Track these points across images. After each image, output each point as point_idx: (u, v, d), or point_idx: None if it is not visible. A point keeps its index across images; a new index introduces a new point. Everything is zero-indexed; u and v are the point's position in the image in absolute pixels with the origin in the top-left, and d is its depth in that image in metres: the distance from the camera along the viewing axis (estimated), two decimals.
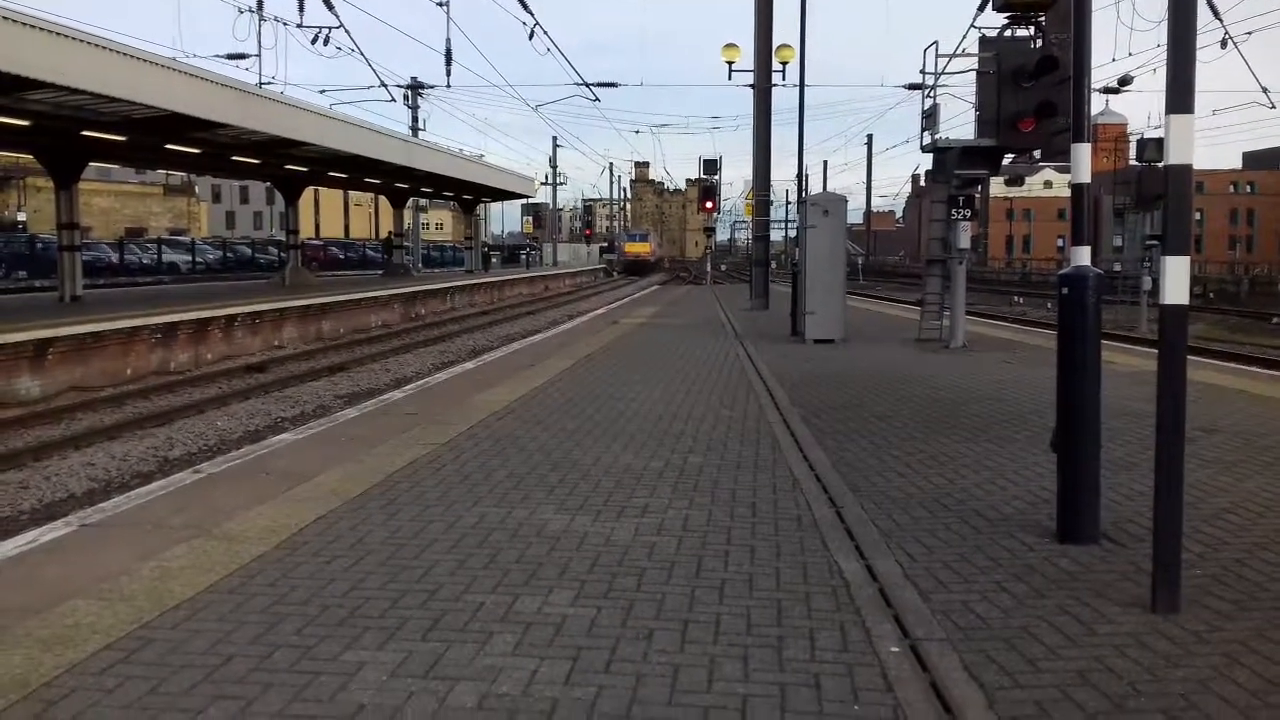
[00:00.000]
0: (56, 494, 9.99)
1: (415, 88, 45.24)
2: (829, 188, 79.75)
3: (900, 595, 4.53)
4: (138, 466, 11.23)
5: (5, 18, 13.96)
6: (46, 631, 4.01)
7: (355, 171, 33.02)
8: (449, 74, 39.16)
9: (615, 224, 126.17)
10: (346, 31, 44.93)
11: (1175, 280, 4.27)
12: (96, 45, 15.99)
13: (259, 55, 29.33)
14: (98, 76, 16.04)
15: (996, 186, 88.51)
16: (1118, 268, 32.08)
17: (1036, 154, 16.07)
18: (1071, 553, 5.15)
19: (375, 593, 4.52)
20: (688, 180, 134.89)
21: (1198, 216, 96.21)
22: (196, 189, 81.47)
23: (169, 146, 23.58)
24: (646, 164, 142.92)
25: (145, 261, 43.76)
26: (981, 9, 16.68)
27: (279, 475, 6.87)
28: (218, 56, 30.97)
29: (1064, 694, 3.53)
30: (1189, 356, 4.43)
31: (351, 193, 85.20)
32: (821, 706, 3.43)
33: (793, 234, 25.37)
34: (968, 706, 3.43)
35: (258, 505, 6.00)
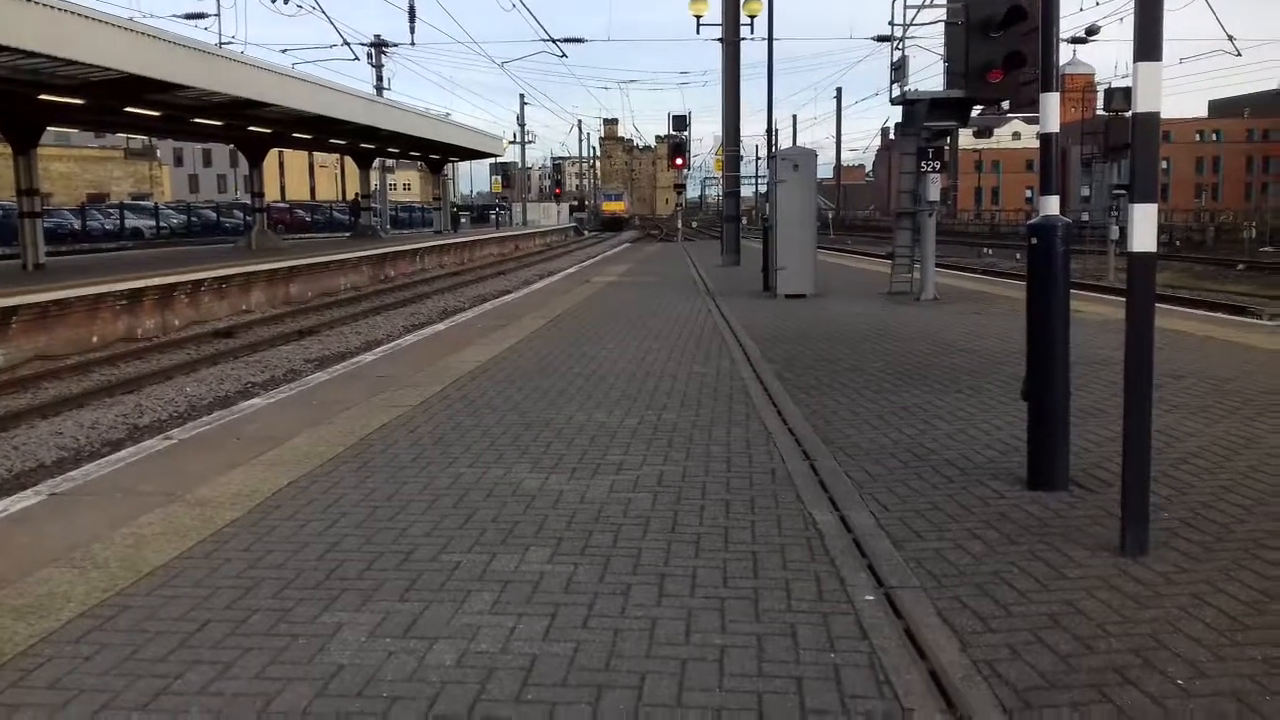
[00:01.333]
0: (25, 463, 9.89)
1: (379, 46, 44.55)
2: (799, 142, 79.64)
3: (874, 545, 4.57)
4: (107, 434, 11.12)
5: None
6: (20, 601, 3.98)
7: (319, 132, 32.58)
8: (413, 31, 38.51)
9: (585, 182, 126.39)
10: None
11: (1143, 228, 4.29)
12: (52, 6, 15.61)
13: (218, 14, 28.95)
14: (54, 38, 15.68)
15: (965, 139, 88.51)
16: (1085, 217, 32.26)
17: (1005, 105, 16.05)
18: (1042, 499, 5.21)
19: (351, 555, 4.51)
20: (657, 137, 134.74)
21: (1164, 165, 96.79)
22: (159, 153, 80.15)
23: (129, 109, 23.14)
24: (615, 121, 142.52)
25: (108, 227, 43.18)
26: None
27: (250, 440, 6.83)
28: (176, 16, 30.42)
29: (1036, 637, 3.59)
30: (1156, 304, 4.46)
31: (317, 154, 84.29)
32: (798, 655, 3.47)
33: (763, 189, 25.32)
34: (941, 651, 3.48)
35: (230, 470, 5.97)
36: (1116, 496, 4.61)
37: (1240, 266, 35.61)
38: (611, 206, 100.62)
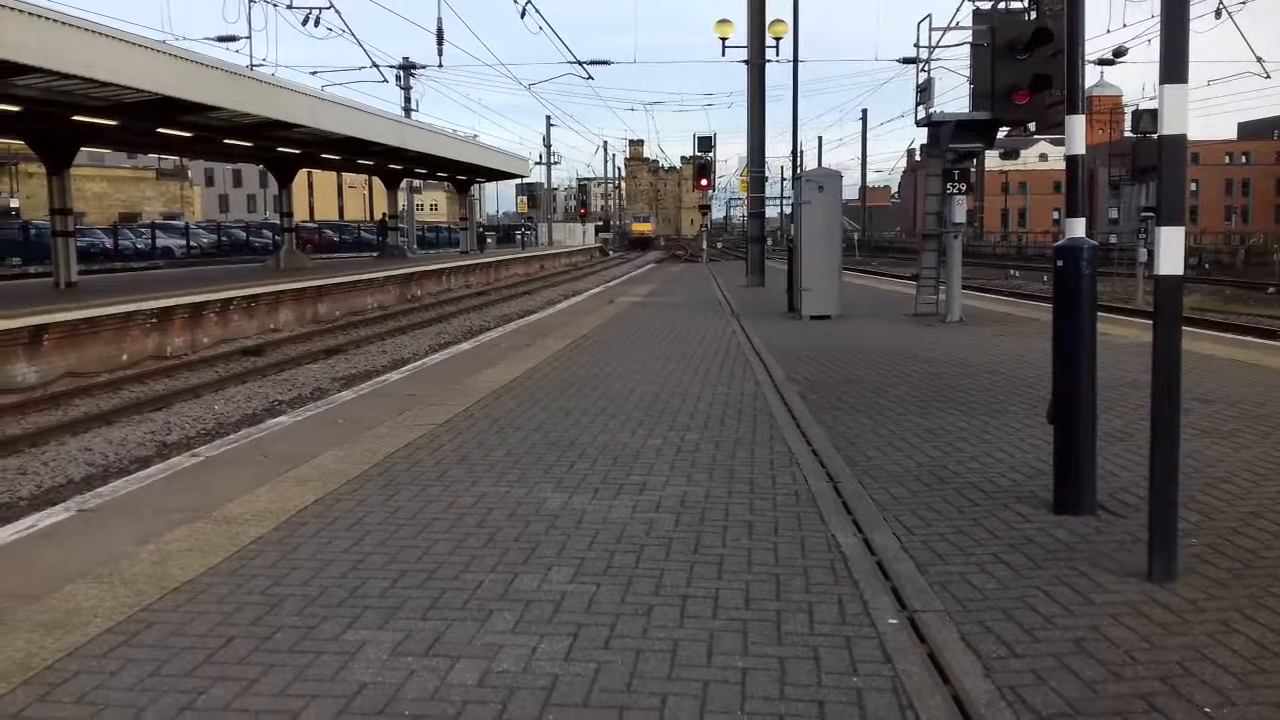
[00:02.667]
0: (55, 480, 10.00)
1: (407, 68, 44.95)
2: (824, 164, 79.59)
3: (898, 568, 4.55)
4: (135, 451, 11.23)
5: None
6: (47, 616, 4.02)
7: (348, 153, 32.90)
8: (440, 54, 38.85)
9: (610, 203, 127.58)
10: (337, 12, 44.52)
11: (1170, 251, 4.27)
12: (86, 29, 15.88)
13: (249, 37, 29.25)
14: (87, 60, 15.93)
15: (991, 160, 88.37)
16: (1113, 240, 32.09)
17: (1031, 126, 16.01)
18: (1068, 524, 5.17)
19: (375, 573, 4.53)
20: (682, 158, 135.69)
21: (1193, 187, 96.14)
22: (190, 173, 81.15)
23: (161, 130, 23.45)
24: (641, 142, 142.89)
25: (139, 246, 43.71)
26: None
27: (277, 458, 6.87)
28: (207, 39, 30.90)
29: (1061, 663, 3.56)
30: (1184, 327, 4.43)
31: (345, 175, 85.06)
32: (820, 679, 3.45)
33: (788, 210, 25.31)
34: (965, 676, 3.45)
35: (256, 488, 6.01)
36: (1144, 521, 4.57)
37: (1271, 290, 35.23)
38: (640, 228, 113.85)
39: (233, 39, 29.27)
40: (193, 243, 46.89)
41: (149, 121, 21.85)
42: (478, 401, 9.06)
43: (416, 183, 54.35)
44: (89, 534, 5.20)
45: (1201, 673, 3.47)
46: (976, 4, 15.39)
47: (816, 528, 5.19)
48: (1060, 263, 5.34)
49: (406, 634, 3.85)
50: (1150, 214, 26.33)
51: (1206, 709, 3.21)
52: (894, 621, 3.95)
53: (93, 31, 16.03)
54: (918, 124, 16.19)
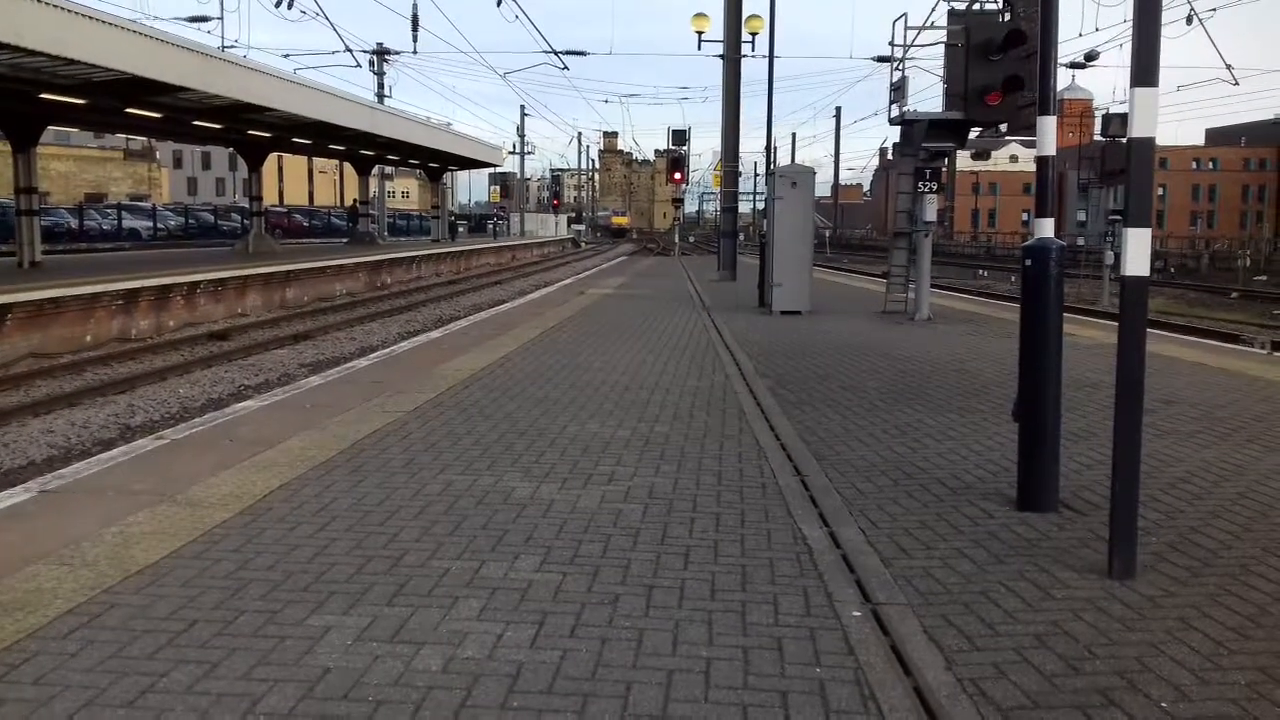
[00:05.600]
0: (15, 461, 9.87)
1: (381, 53, 44.67)
2: (798, 160, 79.88)
3: (862, 561, 4.58)
4: (99, 434, 11.10)
5: None
6: (7, 596, 3.98)
7: (319, 138, 32.62)
8: (415, 40, 38.73)
9: (583, 194, 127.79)
10: None
11: (1137, 251, 4.32)
12: (55, 6, 15.63)
13: (221, 18, 29.07)
14: (56, 38, 15.70)
15: (962, 161, 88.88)
16: (1081, 242, 32.42)
17: (1003, 128, 16.15)
18: (1031, 520, 5.23)
19: (340, 558, 4.51)
20: (656, 151, 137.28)
21: (1160, 192, 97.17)
22: (158, 154, 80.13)
23: (129, 110, 23.15)
24: (615, 134, 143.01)
25: (105, 227, 43.08)
26: None
27: (243, 442, 6.82)
28: (179, 19, 30.52)
29: (1021, 656, 3.60)
30: (1149, 330, 4.49)
31: (316, 160, 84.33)
32: (784, 669, 3.47)
33: (761, 206, 25.38)
34: (927, 668, 3.49)
35: (221, 471, 5.97)
36: (1105, 519, 4.63)
37: (1234, 295, 35.75)
38: (618, 220, 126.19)
39: (205, 19, 29.04)
40: (160, 225, 46.26)
41: (118, 101, 21.57)
42: (447, 390, 9.03)
43: (388, 169, 54.00)
44: (50, 515, 5.15)
45: (1159, 668, 3.52)
46: (951, 4, 15.48)
47: (783, 520, 5.22)
48: (1029, 262, 5.39)
49: (372, 619, 3.84)
50: (1118, 217, 26.63)
51: (1163, 704, 3.27)
52: (858, 614, 3.98)
53: (63, 9, 15.78)
54: (891, 122, 16.28)
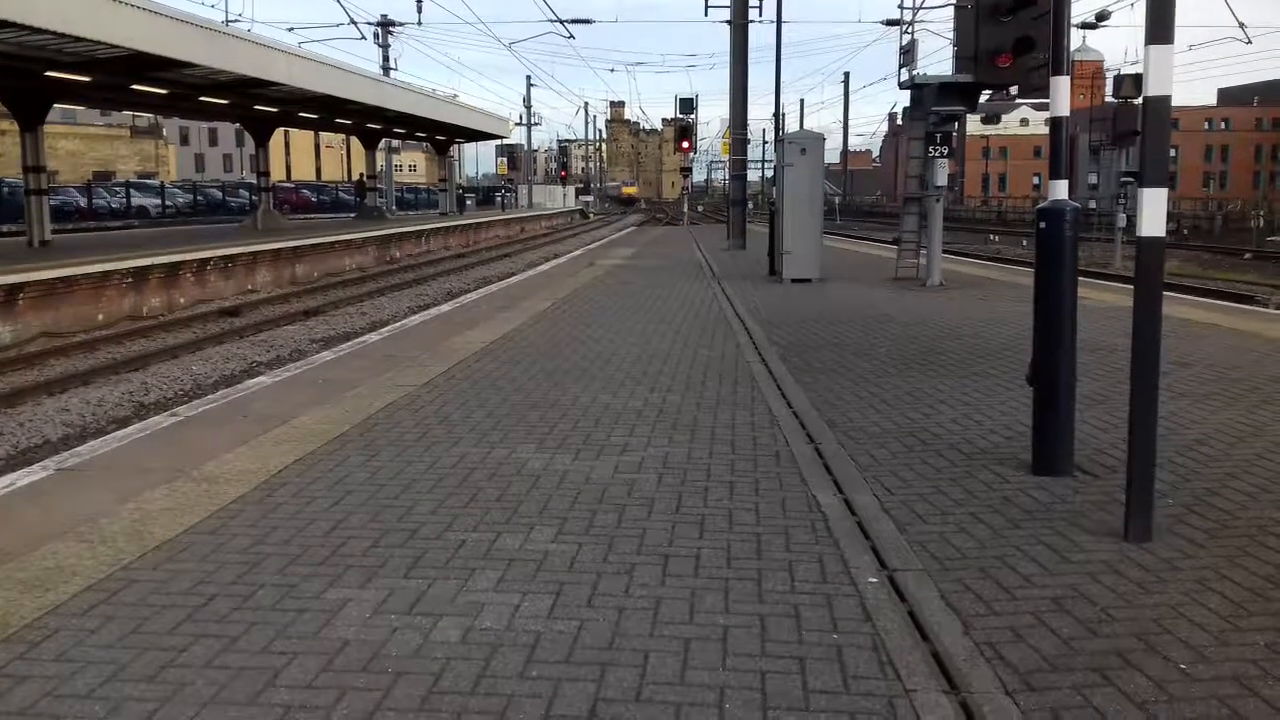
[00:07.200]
0: (31, 439, 9.92)
1: (386, 25, 44.39)
2: (806, 127, 79.37)
3: (878, 528, 4.58)
4: (113, 411, 11.15)
5: None
6: (26, 574, 4.00)
7: (326, 112, 32.52)
8: (420, 11, 38.47)
9: (591, 165, 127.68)
10: None
11: (1152, 212, 4.28)
12: None
13: None
14: (62, 15, 15.64)
15: (973, 125, 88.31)
16: (1093, 205, 32.20)
17: (1014, 90, 15.98)
18: (1046, 484, 5.21)
19: (356, 532, 4.53)
20: (664, 120, 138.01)
21: (1173, 154, 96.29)
22: (165, 131, 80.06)
23: (136, 87, 23.09)
24: (622, 104, 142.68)
25: (114, 205, 43.11)
26: None
27: (256, 418, 6.84)
28: None
29: (1039, 620, 3.60)
30: (1163, 292, 4.45)
31: (323, 134, 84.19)
32: (801, 636, 3.48)
33: (770, 174, 25.29)
34: (944, 633, 3.49)
35: (236, 447, 5.98)
36: (1121, 483, 4.61)
37: (1247, 255, 35.51)
38: (628, 190, 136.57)
39: None
40: (168, 202, 46.25)
41: (124, 78, 21.52)
42: (458, 363, 9.03)
43: (395, 143, 53.91)
44: (68, 493, 5.17)
45: (1177, 630, 3.51)
46: None
47: (797, 488, 5.21)
48: (1043, 224, 5.34)
49: (389, 592, 3.85)
50: (1130, 179, 26.40)
51: (1182, 665, 3.26)
52: (874, 580, 3.98)
53: None
54: (901, 86, 16.13)
